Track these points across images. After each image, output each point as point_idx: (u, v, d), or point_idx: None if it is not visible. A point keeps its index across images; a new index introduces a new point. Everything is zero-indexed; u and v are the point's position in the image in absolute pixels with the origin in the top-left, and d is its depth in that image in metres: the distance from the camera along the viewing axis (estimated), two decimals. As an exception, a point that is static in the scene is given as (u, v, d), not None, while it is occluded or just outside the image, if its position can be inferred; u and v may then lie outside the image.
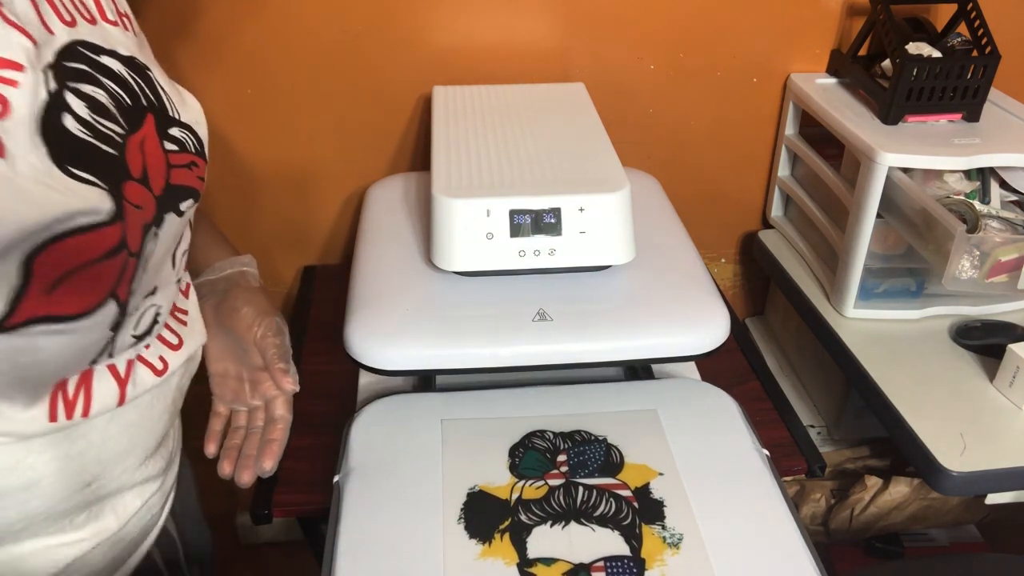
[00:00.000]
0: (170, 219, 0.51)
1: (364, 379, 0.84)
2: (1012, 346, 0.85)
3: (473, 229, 0.73)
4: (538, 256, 0.74)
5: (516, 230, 0.73)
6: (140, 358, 0.55)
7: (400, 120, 1.06)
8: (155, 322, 0.55)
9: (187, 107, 0.55)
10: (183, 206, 0.52)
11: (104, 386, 0.52)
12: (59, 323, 0.44)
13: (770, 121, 1.13)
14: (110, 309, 0.47)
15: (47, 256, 0.41)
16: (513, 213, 0.73)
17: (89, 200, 0.42)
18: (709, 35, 1.04)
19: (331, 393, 0.87)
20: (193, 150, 0.53)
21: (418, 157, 1.09)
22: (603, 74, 1.05)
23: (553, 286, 0.77)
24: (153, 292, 0.53)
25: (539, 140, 0.83)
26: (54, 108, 0.42)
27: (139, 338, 0.54)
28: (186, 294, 0.64)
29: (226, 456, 0.66)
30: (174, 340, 0.59)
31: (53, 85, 0.42)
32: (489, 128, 0.86)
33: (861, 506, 1.11)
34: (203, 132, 0.56)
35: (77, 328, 0.45)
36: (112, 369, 0.52)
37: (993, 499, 0.92)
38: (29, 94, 0.40)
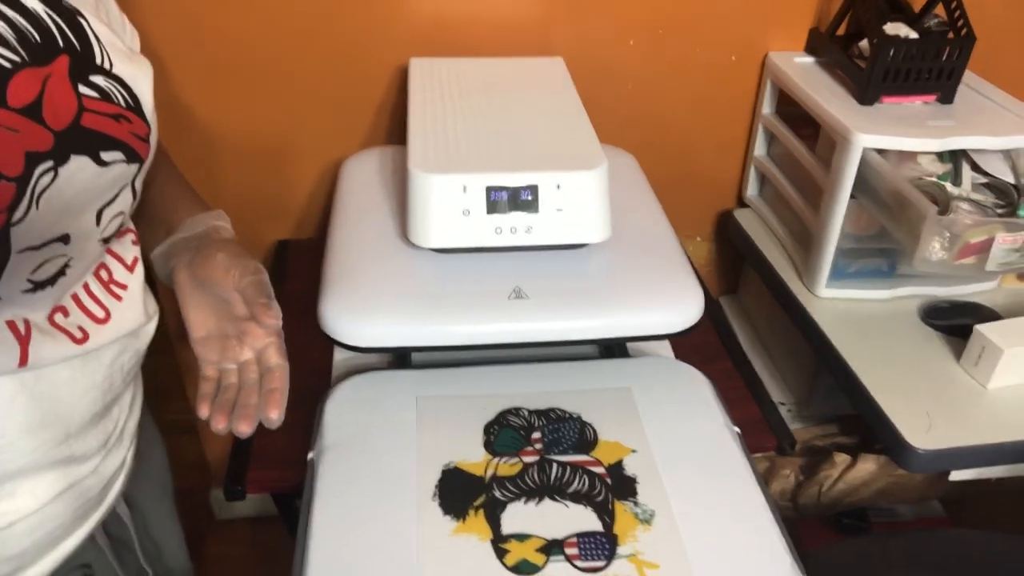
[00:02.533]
0: (81, 162, 0.49)
1: (339, 356, 0.84)
2: (978, 327, 0.86)
3: (449, 205, 0.72)
4: (514, 233, 0.74)
5: (493, 207, 0.73)
6: (53, 322, 0.53)
7: (376, 92, 1.04)
8: (62, 273, 0.52)
9: (131, 63, 0.54)
10: (106, 156, 0.51)
11: (0, 343, 0.49)
12: None
13: (748, 100, 1.13)
14: None
15: None
16: (490, 190, 0.72)
17: None
18: (689, 11, 1.04)
19: (305, 369, 0.85)
20: (123, 104, 0.52)
21: (394, 130, 1.08)
22: (582, 49, 1.04)
23: (529, 264, 0.77)
24: (63, 240, 0.51)
25: (517, 115, 0.83)
26: None
27: (38, 285, 0.51)
28: (131, 268, 0.61)
29: (219, 410, 0.60)
30: (99, 313, 0.57)
31: None
32: (467, 102, 0.85)
33: (829, 482, 1.13)
34: (141, 90, 0.54)
35: None
36: (11, 326, 0.50)
37: (957, 475, 0.95)
38: None
